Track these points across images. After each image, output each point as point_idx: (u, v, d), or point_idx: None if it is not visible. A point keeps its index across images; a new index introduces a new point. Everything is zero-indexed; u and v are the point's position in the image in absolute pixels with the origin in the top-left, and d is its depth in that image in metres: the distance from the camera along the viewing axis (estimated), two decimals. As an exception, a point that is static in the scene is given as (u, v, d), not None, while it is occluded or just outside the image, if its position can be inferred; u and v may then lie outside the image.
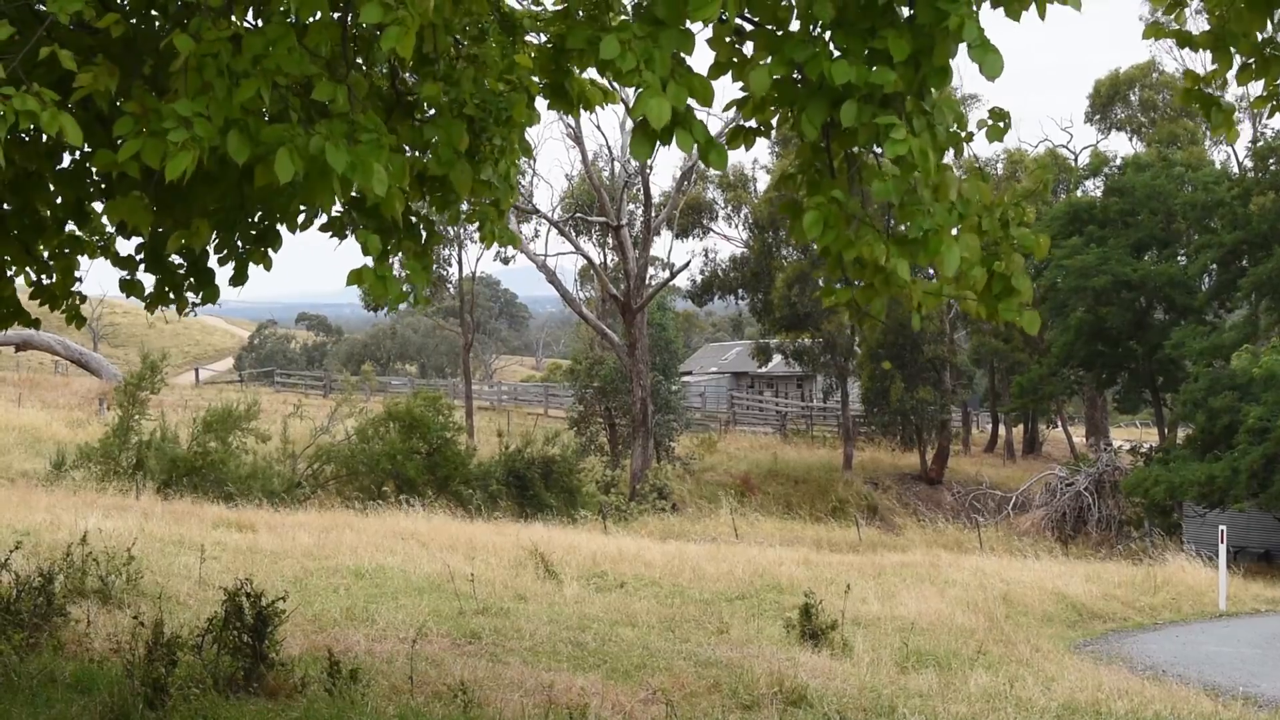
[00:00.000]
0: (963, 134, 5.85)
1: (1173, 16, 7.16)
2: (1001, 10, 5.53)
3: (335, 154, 5.34)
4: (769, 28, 5.75)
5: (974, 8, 5.32)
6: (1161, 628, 19.51)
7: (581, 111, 7.43)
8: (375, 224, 6.93)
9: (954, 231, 5.80)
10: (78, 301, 8.45)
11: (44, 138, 7.05)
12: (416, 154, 7.04)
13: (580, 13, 6.31)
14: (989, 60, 5.34)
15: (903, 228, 5.70)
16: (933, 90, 5.64)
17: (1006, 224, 5.91)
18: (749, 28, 5.87)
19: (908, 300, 5.91)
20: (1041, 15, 5.49)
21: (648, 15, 5.44)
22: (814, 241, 5.67)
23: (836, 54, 5.46)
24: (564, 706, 9.04)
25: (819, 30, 5.48)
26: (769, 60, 5.56)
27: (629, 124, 46.38)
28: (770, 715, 9.75)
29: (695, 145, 5.56)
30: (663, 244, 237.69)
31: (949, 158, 5.95)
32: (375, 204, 6.03)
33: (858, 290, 6.03)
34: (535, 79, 7.35)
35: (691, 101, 5.52)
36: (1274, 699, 12.89)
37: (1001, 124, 5.90)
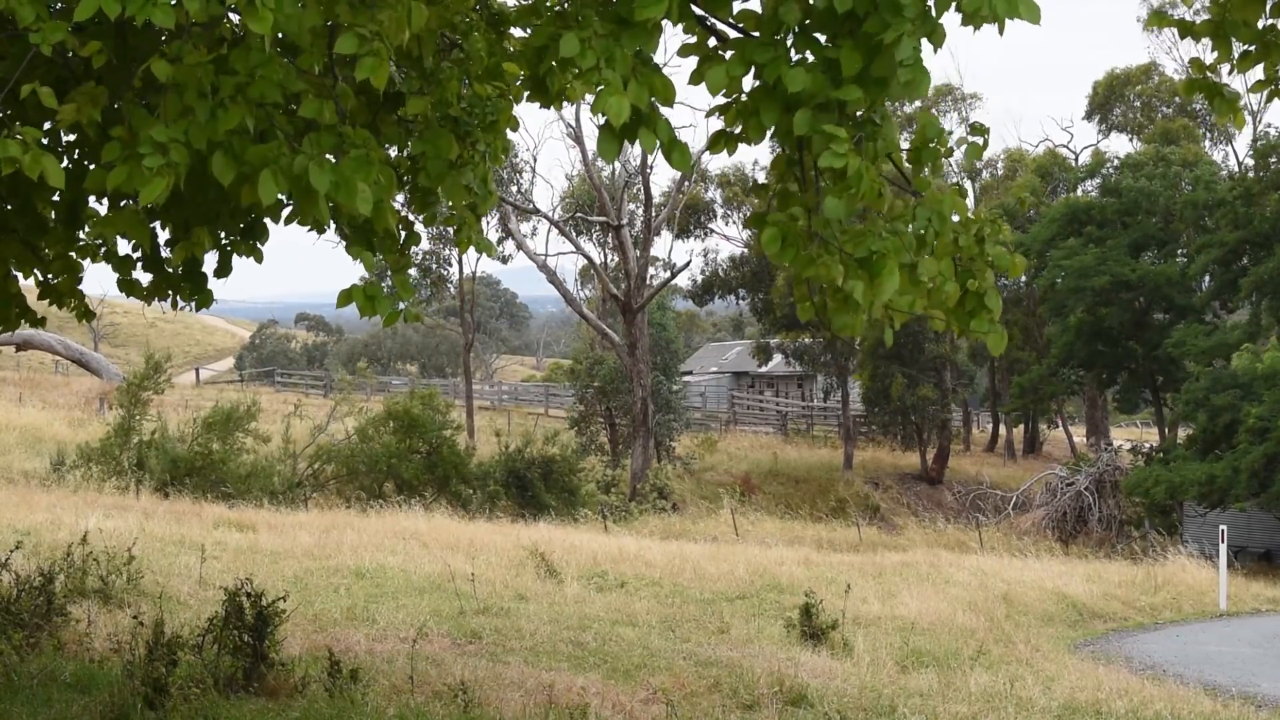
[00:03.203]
0: (942, 150, 5.79)
1: None
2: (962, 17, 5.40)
3: (318, 175, 5.27)
4: (731, 32, 5.68)
5: (917, 24, 5.17)
6: (1162, 627, 19.52)
7: (573, 106, 7.45)
8: (365, 239, 6.86)
9: (919, 256, 5.71)
10: (84, 300, 8.45)
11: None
12: (404, 156, 6.96)
13: (548, 4, 6.21)
14: (917, 80, 5.23)
15: (850, 247, 5.59)
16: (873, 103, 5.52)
17: (982, 240, 5.89)
18: (722, 26, 5.82)
19: (880, 317, 5.85)
20: (1000, 31, 5.38)
21: (611, 13, 5.35)
22: (773, 258, 5.61)
23: (796, 59, 5.37)
24: (564, 706, 9.04)
25: (783, 35, 5.39)
26: (727, 58, 5.49)
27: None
28: (770, 715, 9.74)
29: (658, 144, 5.48)
30: (663, 244, 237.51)
31: (927, 173, 5.89)
32: (366, 220, 5.95)
33: (827, 309, 5.98)
34: (518, 73, 7.28)
35: (685, 103, 5.46)
36: (1273, 699, 12.89)
37: (981, 140, 5.86)
